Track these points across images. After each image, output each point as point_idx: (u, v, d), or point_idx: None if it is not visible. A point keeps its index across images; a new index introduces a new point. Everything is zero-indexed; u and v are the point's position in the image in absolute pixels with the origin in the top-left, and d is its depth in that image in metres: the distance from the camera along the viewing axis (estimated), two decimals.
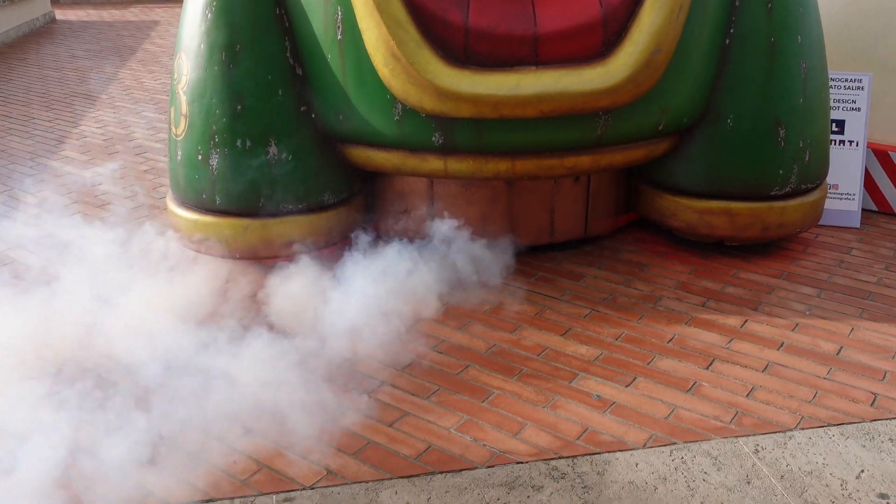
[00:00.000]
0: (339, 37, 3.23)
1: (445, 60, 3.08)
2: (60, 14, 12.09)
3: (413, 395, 2.83)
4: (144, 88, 7.46)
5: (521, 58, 3.10)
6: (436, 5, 3.08)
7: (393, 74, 3.09)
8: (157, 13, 12.30)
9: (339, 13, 3.19)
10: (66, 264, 3.48)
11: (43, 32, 10.66)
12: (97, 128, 6.16)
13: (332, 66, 3.27)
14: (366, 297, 3.15)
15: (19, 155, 5.50)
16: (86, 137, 5.91)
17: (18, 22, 10.40)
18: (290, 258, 3.43)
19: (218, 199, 3.43)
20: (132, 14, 12.28)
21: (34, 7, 11.02)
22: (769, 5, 3.44)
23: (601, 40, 3.12)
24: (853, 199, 4.20)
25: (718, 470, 2.43)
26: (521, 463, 2.47)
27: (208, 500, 2.32)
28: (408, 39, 3.04)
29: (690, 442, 2.56)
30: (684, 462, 2.46)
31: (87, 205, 4.55)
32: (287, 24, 3.35)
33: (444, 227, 3.55)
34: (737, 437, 2.58)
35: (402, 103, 3.20)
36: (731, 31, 3.47)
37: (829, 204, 4.13)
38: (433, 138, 3.27)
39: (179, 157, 3.52)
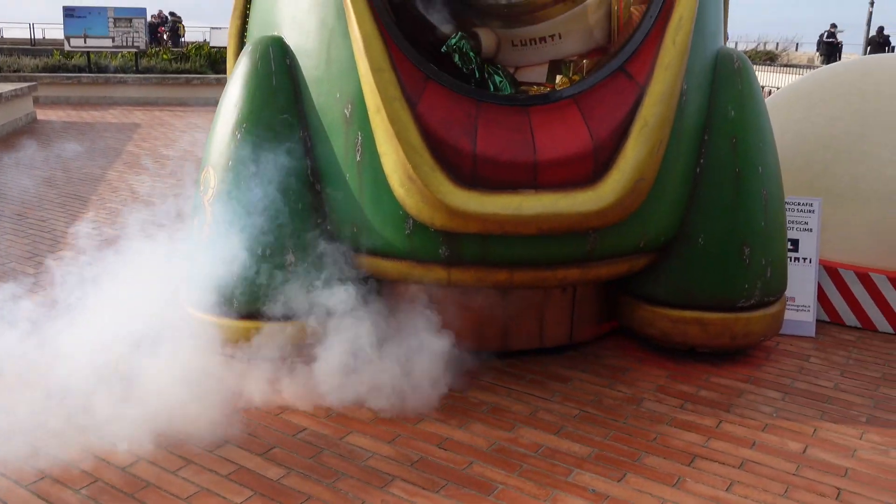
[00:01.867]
0: (358, 158, 3.60)
1: (455, 182, 3.46)
2: (42, 114, 12.41)
3: (424, 489, 3.06)
4: (132, 190, 7.73)
5: (523, 182, 3.50)
6: (447, 134, 3.48)
7: (408, 194, 3.45)
8: (137, 115, 12.70)
9: (360, 138, 3.57)
10: None
11: (25, 132, 10.93)
12: (92, 228, 6.39)
13: (350, 184, 3.63)
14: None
15: (17, 253, 5.68)
16: (81, 238, 6.13)
17: (2, 122, 10.68)
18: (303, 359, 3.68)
19: (236, 303, 3.69)
20: (112, 116, 12.66)
21: (17, 107, 11.33)
22: (733, 140, 3.93)
23: (592, 168, 3.54)
24: (808, 310, 4.63)
25: None
26: None
27: None
28: (422, 163, 3.42)
29: None
30: None
31: None
32: (309, 145, 3.71)
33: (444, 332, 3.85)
34: None
35: (413, 219, 3.55)
36: (702, 161, 3.94)
37: (788, 315, 4.55)
38: (440, 251, 3.62)
39: (202, 261, 3.79)
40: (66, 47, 16.08)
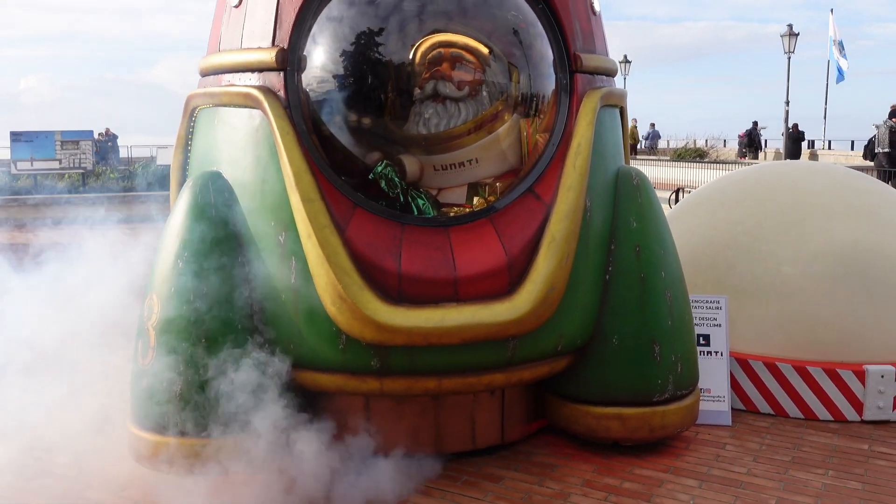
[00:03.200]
0: (293, 280, 3.89)
1: (383, 300, 3.76)
2: None
3: None
4: None
5: (445, 296, 3.82)
6: (374, 255, 3.81)
7: (339, 312, 3.74)
8: (83, 234, 12.82)
9: (294, 262, 3.87)
10: None
11: None
12: None
13: (286, 304, 3.91)
14: None
15: None
16: None
17: None
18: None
19: (176, 422, 3.87)
20: (57, 236, 12.75)
21: None
22: (637, 248, 4.33)
23: (508, 281, 3.89)
24: (723, 400, 4.97)
25: None
26: None
27: None
28: (351, 283, 3.73)
29: None
30: None
31: None
32: (247, 270, 3.99)
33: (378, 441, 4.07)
34: None
35: (346, 334, 3.82)
36: (610, 269, 4.32)
37: (704, 405, 4.87)
38: (372, 363, 3.88)
39: (144, 384, 3.99)
40: (13, 170, 16.30)
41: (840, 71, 30.49)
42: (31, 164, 16.04)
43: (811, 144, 32.12)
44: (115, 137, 26.81)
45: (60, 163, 16.10)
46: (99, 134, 25.00)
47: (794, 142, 28.20)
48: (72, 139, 16.26)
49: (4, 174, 16.66)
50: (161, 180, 17.50)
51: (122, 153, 26.52)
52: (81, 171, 16.48)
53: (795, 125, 28.73)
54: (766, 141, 31.71)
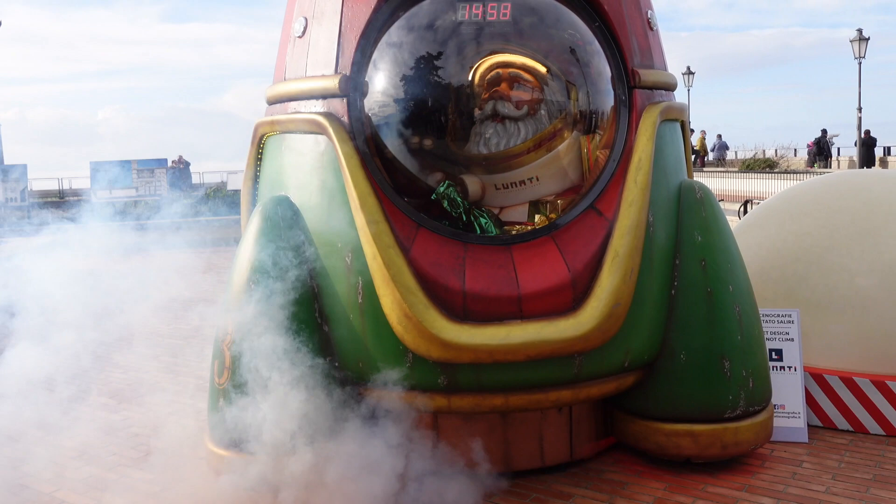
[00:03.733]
0: (359, 300, 3.97)
1: (448, 318, 3.81)
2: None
3: None
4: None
5: (509, 313, 3.85)
6: (438, 274, 3.86)
7: (406, 331, 3.81)
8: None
9: (360, 282, 3.96)
10: None
11: None
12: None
13: (354, 323, 3.99)
14: None
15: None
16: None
17: None
18: None
19: (253, 440, 3.98)
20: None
21: None
22: (703, 262, 4.28)
23: (571, 298, 3.90)
24: (798, 417, 4.84)
25: None
26: None
27: None
28: (417, 303, 3.79)
29: None
30: None
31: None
32: (316, 290, 4.10)
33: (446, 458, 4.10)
34: None
35: (413, 353, 3.88)
36: (676, 283, 4.28)
37: (779, 422, 4.76)
38: (439, 380, 3.93)
39: (221, 403, 4.12)
40: (93, 199, 17.02)
41: None
42: (110, 193, 16.72)
43: (887, 151, 31.09)
44: (187, 164, 27.69)
45: (137, 191, 16.75)
46: (172, 161, 25.88)
47: (867, 148, 27.39)
48: (147, 167, 16.91)
49: (87, 203, 17.39)
50: (231, 205, 18.00)
51: (195, 179, 27.35)
52: (156, 198, 17.10)
53: (867, 131, 27.93)
54: (838, 149, 30.82)
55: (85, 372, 6.40)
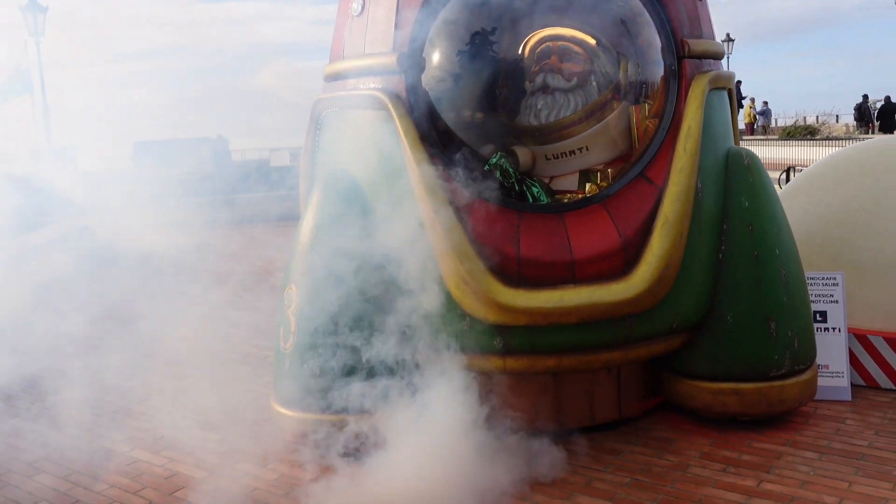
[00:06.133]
0: (419, 268, 4.17)
1: (504, 283, 4.01)
2: None
3: None
4: None
5: (562, 278, 4.04)
6: (494, 242, 4.06)
7: (464, 295, 4.01)
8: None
9: (420, 250, 4.15)
10: None
11: None
12: None
13: (413, 290, 4.19)
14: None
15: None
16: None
17: None
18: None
19: (319, 400, 4.23)
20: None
21: None
22: (750, 227, 4.41)
23: (623, 262, 4.07)
24: (842, 376, 4.98)
25: None
26: None
27: None
28: (474, 268, 3.99)
29: None
30: None
31: None
32: (378, 259, 4.30)
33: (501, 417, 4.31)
34: None
35: (470, 316, 4.09)
36: (723, 248, 4.42)
37: (823, 381, 4.90)
38: (495, 342, 4.14)
39: (287, 367, 4.37)
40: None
41: None
42: None
43: None
44: (226, 142, 28.04)
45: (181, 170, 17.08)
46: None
47: (889, 115, 26.33)
48: (191, 146, 17.23)
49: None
50: (274, 182, 18.25)
51: (236, 157, 27.70)
52: (201, 176, 17.41)
53: (888, 97, 26.94)
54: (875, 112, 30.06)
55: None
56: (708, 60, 4.59)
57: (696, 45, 4.46)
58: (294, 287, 4.39)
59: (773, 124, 32.32)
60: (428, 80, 4.35)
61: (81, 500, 4.10)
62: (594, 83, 4.52)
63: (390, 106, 4.19)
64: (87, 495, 4.15)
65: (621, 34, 4.50)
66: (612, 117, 4.53)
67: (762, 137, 27.66)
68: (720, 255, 4.42)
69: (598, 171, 4.53)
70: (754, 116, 30.60)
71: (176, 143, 17.29)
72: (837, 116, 33.35)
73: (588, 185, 4.47)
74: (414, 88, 4.26)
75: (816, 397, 4.79)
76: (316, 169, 4.87)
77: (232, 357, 6.56)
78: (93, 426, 5.07)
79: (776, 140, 25.63)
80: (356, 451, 4.15)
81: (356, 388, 4.17)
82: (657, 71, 4.44)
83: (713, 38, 4.76)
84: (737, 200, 4.44)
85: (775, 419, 4.63)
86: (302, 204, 4.85)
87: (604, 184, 4.42)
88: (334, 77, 4.71)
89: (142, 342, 6.43)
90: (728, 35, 36.25)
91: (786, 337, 4.41)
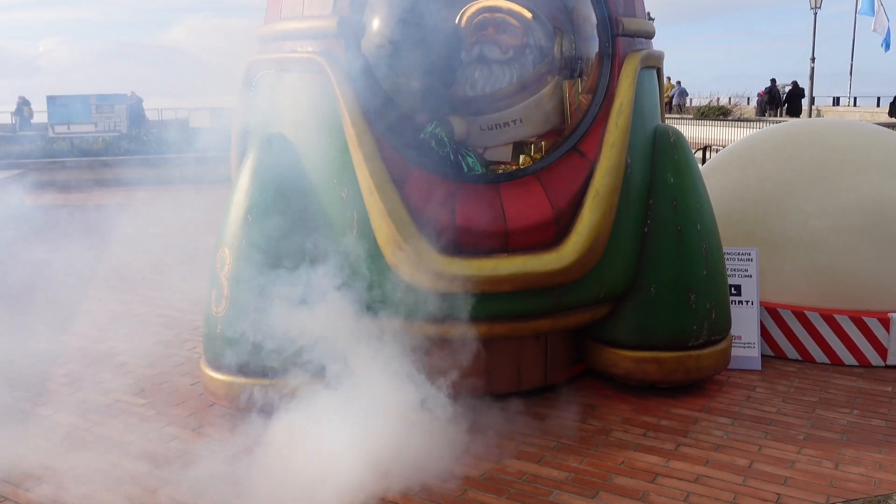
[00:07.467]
0: (354, 233, 4.19)
1: (439, 250, 4.06)
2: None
3: None
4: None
5: (497, 247, 4.12)
6: (431, 210, 4.10)
7: (400, 262, 4.05)
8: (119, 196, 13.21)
9: (355, 216, 4.17)
10: None
11: None
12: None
13: (348, 255, 4.20)
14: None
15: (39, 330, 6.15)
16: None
17: None
18: None
19: (250, 364, 4.22)
20: (97, 198, 13.15)
21: None
22: (674, 202, 4.59)
23: (554, 233, 4.18)
24: (753, 347, 5.25)
25: None
26: None
27: None
28: (411, 236, 4.03)
29: None
30: None
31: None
32: (311, 225, 4.30)
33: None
34: None
35: (405, 283, 4.13)
36: (648, 222, 4.59)
37: (736, 352, 5.16)
38: (429, 309, 4.19)
39: (219, 330, 4.33)
40: (51, 133, 16.69)
41: (887, 40, 30.16)
42: (68, 128, 16.42)
43: (836, 101, 31.86)
44: (140, 101, 27.09)
45: (96, 126, 16.47)
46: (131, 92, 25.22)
47: (794, 98, 27.91)
48: (106, 103, 16.61)
49: (42, 138, 17.05)
50: (192, 142, 17.79)
51: (152, 116, 26.82)
52: (116, 133, 16.84)
53: (794, 82, 28.44)
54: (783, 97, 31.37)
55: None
56: (640, 39, 4.72)
57: (630, 23, 4.57)
58: (227, 250, 4.34)
59: (687, 104, 33.27)
60: (367, 45, 4.33)
61: None
62: (529, 56, 4.58)
63: (329, 70, 4.16)
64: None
65: (558, 9, 4.56)
66: (546, 91, 4.61)
67: (678, 116, 28.46)
68: (645, 229, 4.59)
69: (531, 143, 4.61)
70: (671, 97, 31.43)
71: (89, 100, 16.62)
72: (748, 98, 34.59)
73: (522, 157, 4.54)
74: (353, 53, 4.23)
75: (729, 366, 5.05)
76: (249, 132, 4.79)
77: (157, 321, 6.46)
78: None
79: (691, 119, 26.41)
80: (286, 414, 4.17)
81: (288, 352, 4.17)
82: (592, 47, 4.54)
83: (645, 18, 4.89)
84: (662, 176, 4.60)
85: (692, 386, 4.86)
86: (234, 166, 4.78)
87: (537, 156, 4.51)
88: (271, 38, 4.63)
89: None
90: (649, 14, 36.98)
91: (704, 308, 4.62)
